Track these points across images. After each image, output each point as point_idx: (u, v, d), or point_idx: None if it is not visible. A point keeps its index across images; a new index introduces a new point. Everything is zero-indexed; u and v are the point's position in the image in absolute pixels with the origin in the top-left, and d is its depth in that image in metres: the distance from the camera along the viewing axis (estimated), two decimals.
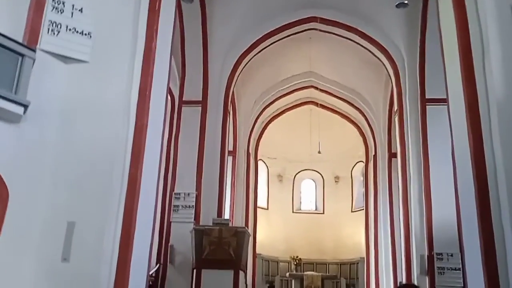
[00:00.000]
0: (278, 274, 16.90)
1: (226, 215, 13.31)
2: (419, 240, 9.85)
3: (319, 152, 15.02)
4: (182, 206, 11.01)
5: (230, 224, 11.95)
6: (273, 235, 18.15)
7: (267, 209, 18.84)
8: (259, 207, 17.85)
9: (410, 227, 10.37)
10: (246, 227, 10.36)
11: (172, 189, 11.22)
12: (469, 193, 5.46)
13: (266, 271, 17.34)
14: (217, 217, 10.93)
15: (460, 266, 9.23)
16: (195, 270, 9.70)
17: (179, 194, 11.11)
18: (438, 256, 9.36)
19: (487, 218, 4.88)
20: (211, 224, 10.12)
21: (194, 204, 10.99)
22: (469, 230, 5.54)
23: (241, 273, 10.04)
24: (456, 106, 5.45)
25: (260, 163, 18.69)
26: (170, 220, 10.91)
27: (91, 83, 4.90)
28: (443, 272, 9.25)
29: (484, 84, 4.91)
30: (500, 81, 4.73)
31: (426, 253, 9.54)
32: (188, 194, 11.06)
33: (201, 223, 10.49)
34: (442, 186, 9.85)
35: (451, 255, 9.32)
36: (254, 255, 16.02)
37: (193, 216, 10.84)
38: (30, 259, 4.34)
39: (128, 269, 4.96)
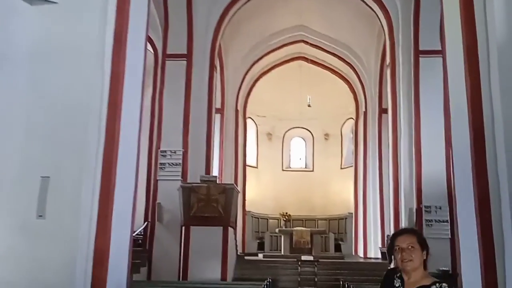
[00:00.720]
0: (267, 230, 17.09)
1: (215, 173, 13.16)
2: (408, 194, 9.86)
3: (308, 106, 14.77)
4: (168, 163, 10.80)
5: (219, 182, 11.84)
6: (263, 193, 18.20)
7: (257, 167, 18.78)
8: (248, 166, 17.77)
9: (399, 181, 10.35)
10: (234, 184, 10.21)
11: (158, 146, 10.96)
12: (463, 143, 5.27)
13: (256, 228, 17.52)
14: (205, 174, 10.76)
15: (448, 218, 9.32)
16: (183, 228, 9.65)
17: (165, 151, 10.86)
18: (426, 209, 9.41)
19: (482, 168, 4.72)
20: (199, 181, 9.99)
21: (181, 161, 10.78)
22: (463, 182, 5.41)
23: (231, 230, 10.02)
24: (453, 51, 5.12)
25: (249, 121, 18.42)
26: (157, 178, 10.73)
27: (61, 25, 4.45)
28: (431, 225, 9.33)
29: (484, 25, 4.58)
30: (501, 23, 4.41)
31: (415, 206, 9.58)
32: (175, 151, 10.82)
33: (188, 181, 10.34)
34: (432, 141, 9.79)
35: (439, 208, 9.37)
36: (244, 212, 16.10)
37: (180, 173, 10.67)
38: (3, 216, 4.08)
39: (109, 225, 4.74)
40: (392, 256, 2.35)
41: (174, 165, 10.78)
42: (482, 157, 4.78)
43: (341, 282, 6.63)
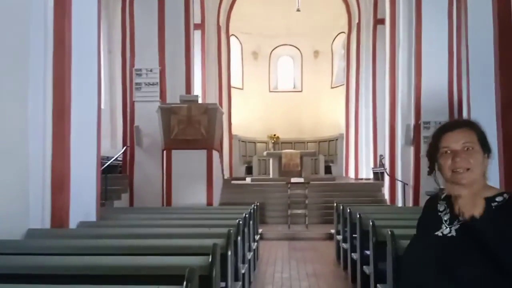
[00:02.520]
0: (256, 154, 16.60)
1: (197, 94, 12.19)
2: (405, 109, 9.15)
3: (298, 10, 13.46)
4: (145, 83, 9.82)
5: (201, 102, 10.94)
6: (250, 115, 17.43)
7: (243, 89, 17.79)
8: (234, 87, 16.78)
9: (396, 96, 9.59)
10: (218, 104, 9.34)
11: (132, 65, 9.87)
12: (483, 39, 4.38)
13: (243, 152, 17.01)
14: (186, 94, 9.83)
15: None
16: (164, 152, 8.96)
17: (140, 70, 9.81)
18: (425, 125, 8.75)
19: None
20: (178, 102, 9.10)
21: (158, 81, 9.79)
22: (480, 88, 4.62)
23: (215, 153, 9.35)
24: None
25: (232, 39, 17.06)
26: (133, 99, 9.78)
27: None
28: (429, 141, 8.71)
29: None
30: None
31: (413, 122, 8.90)
32: (151, 70, 9.79)
33: (168, 102, 9.44)
34: (434, 51, 8.89)
35: (439, 124, 8.66)
36: (230, 136, 15.44)
37: (158, 94, 9.73)
38: None
39: (68, 146, 3.99)
40: (436, 165, 1.50)
41: (151, 84, 9.82)
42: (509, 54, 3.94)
43: (335, 204, 6.08)
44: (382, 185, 10.27)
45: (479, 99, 4.60)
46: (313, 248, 6.92)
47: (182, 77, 10.30)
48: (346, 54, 15.57)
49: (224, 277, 2.58)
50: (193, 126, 9.12)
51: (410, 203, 8.72)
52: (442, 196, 1.51)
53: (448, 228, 1.40)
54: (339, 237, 5.65)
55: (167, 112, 8.91)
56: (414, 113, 8.89)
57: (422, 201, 8.48)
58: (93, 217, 4.33)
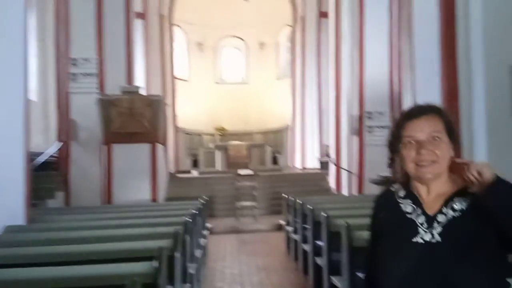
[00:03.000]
0: (202, 147, 16.28)
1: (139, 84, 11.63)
2: (349, 100, 9.32)
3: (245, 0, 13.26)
4: (81, 74, 9.15)
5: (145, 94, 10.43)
6: (196, 108, 17.04)
7: (188, 80, 17.33)
8: (179, 79, 16.29)
9: (340, 88, 9.75)
10: (161, 96, 8.96)
11: (67, 54, 9.16)
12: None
13: (189, 145, 16.63)
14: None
15: (389, 123, 9.02)
16: (104, 147, 8.42)
17: (76, 60, 9.13)
18: (367, 115, 8.97)
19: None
20: (119, 93, 8.58)
21: (96, 71, 9.16)
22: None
23: (160, 147, 8.98)
24: None
25: (177, 29, 16.51)
26: (68, 90, 9.09)
27: None
28: (372, 131, 8.97)
29: None
30: None
31: (356, 112, 9.10)
32: (87, 59, 9.13)
33: (107, 93, 8.88)
34: (376, 43, 9.10)
35: (380, 113, 8.97)
36: (175, 129, 14.99)
37: (96, 85, 9.11)
38: None
39: None
40: (396, 157, 1.31)
41: (88, 75, 9.18)
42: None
43: (287, 196, 6.03)
44: (327, 174, 10.46)
45: (423, 90, 4.71)
46: (262, 240, 6.86)
47: (122, 68, 9.71)
48: (292, 47, 15.64)
49: (171, 281, 2.38)
50: (136, 119, 8.67)
51: (355, 191, 8.93)
52: (402, 194, 1.31)
53: (429, 233, 1.22)
54: (289, 228, 5.61)
55: (106, 104, 8.38)
56: (357, 104, 9.08)
57: (367, 189, 8.74)
58: (20, 220, 3.90)
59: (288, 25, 16.16)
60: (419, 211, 1.26)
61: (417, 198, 1.28)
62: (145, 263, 1.88)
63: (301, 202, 4.76)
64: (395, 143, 1.31)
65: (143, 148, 8.57)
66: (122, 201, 7.83)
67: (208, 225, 6.29)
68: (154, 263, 1.86)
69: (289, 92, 15.72)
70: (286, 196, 6.06)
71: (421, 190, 1.28)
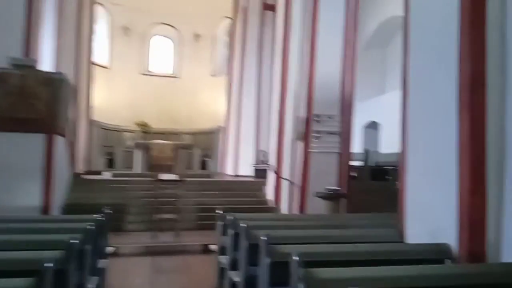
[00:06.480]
0: (121, 145, 14.20)
1: (45, 66, 9.44)
2: (296, 101, 8.13)
3: None
4: None
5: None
6: (116, 99, 14.94)
7: (109, 68, 15.15)
8: (98, 65, 14.13)
9: (287, 87, 8.54)
10: (64, 74, 7.03)
11: None
12: None
13: (105, 142, 14.45)
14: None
15: (339, 129, 7.96)
16: None
17: None
18: (316, 118, 7.83)
19: None
20: (7, 66, 6.56)
21: None
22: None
23: (60, 139, 7.04)
24: None
25: (99, 8, 14.35)
26: None
27: None
28: (320, 137, 7.84)
29: None
30: None
31: (303, 115, 7.92)
32: None
33: None
34: (330, 40, 8.03)
35: (330, 117, 7.88)
36: (89, 121, 12.78)
37: None
38: None
39: None
40: None
41: None
42: None
43: (222, 212, 4.54)
44: (264, 184, 9.15)
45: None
46: (185, 267, 5.29)
47: (18, 36, 7.62)
48: (230, 41, 14.26)
49: None
50: (28, 101, 6.71)
51: (296, 205, 7.70)
52: None
53: None
54: (223, 259, 4.14)
55: None
56: (305, 105, 7.92)
57: (310, 204, 7.58)
58: None
59: (228, 17, 14.77)
60: None
61: None
62: None
63: (246, 226, 3.36)
64: None
65: (36, 140, 6.63)
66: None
67: (110, 248, 4.59)
68: None
69: (225, 90, 14.28)
70: (221, 214, 4.59)
71: None
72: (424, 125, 3.26)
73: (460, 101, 2.78)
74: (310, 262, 2.17)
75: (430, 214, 3.09)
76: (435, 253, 2.78)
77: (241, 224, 3.38)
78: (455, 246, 2.75)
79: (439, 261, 2.73)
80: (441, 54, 3.01)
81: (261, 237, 2.80)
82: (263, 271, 2.74)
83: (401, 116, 3.14)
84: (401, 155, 3.52)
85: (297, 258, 2.20)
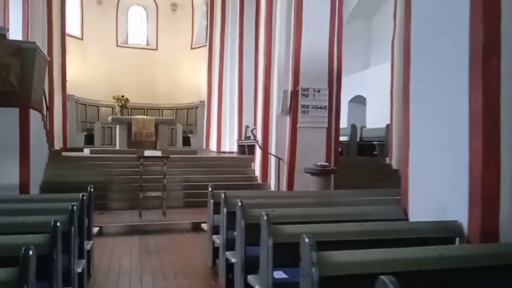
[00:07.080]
0: (99, 120, 13.70)
1: (14, 38, 8.82)
2: (282, 73, 7.88)
3: None
4: None
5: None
6: (92, 73, 14.31)
7: (82, 39, 14.43)
8: (70, 36, 13.42)
9: (272, 59, 8.24)
10: (36, 43, 6.55)
11: None
12: None
13: (83, 118, 13.92)
14: None
15: (327, 104, 7.80)
16: None
17: None
18: (303, 92, 7.63)
19: None
20: None
21: None
22: None
23: (35, 113, 6.63)
24: None
25: None
26: None
27: None
28: (307, 111, 7.67)
29: None
30: None
31: (290, 88, 7.71)
32: None
33: None
34: (317, 9, 7.73)
35: (318, 91, 7.70)
36: (64, 96, 12.22)
37: None
38: None
39: None
40: None
41: None
42: None
43: (210, 189, 4.35)
44: (252, 160, 8.97)
45: None
46: (174, 247, 5.13)
47: None
48: (210, 11, 13.72)
49: None
50: None
51: (284, 181, 7.59)
52: None
53: None
54: (217, 239, 3.97)
55: None
56: (292, 78, 7.69)
57: (299, 179, 7.47)
58: None
59: None
60: None
61: None
62: None
63: (241, 203, 3.19)
64: None
65: (10, 114, 6.23)
66: None
67: (94, 228, 4.35)
68: None
69: (206, 63, 13.85)
70: (210, 190, 4.40)
71: None
72: (429, 97, 3.09)
73: (471, 69, 2.61)
74: (317, 243, 2.02)
75: (436, 190, 2.97)
76: (444, 231, 2.68)
77: (238, 203, 3.21)
78: (465, 223, 2.66)
79: (449, 239, 2.64)
80: (449, 18, 2.82)
81: (263, 217, 2.62)
82: (266, 253, 2.57)
83: (390, 89, 3.00)
84: (404, 128, 3.38)
85: (308, 241, 2.03)
